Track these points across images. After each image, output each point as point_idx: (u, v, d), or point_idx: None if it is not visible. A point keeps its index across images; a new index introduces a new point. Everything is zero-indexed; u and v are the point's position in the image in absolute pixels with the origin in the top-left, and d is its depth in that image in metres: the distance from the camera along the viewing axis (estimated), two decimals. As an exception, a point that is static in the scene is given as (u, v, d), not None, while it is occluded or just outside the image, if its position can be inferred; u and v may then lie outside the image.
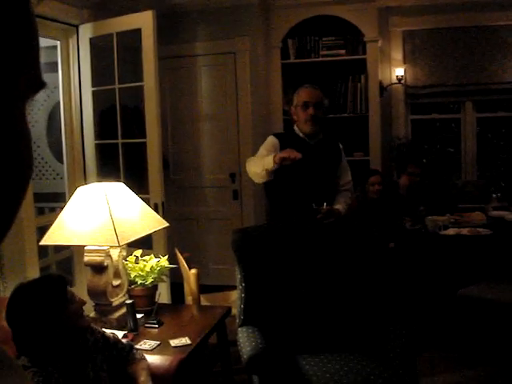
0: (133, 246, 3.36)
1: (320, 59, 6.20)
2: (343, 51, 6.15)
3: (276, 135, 4.06)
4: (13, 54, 0.46)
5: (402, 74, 6.33)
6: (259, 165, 3.66)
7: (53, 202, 5.83)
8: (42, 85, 0.53)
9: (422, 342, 4.39)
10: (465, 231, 4.83)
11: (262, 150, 3.89)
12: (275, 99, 6.24)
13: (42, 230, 3.60)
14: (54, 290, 2.24)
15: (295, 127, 4.00)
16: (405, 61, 6.45)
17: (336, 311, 3.38)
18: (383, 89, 6.30)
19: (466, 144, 6.54)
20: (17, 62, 0.47)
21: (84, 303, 2.42)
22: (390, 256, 4.61)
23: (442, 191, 6.14)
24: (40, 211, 5.67)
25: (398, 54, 6.47)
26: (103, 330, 2.61)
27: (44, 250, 4.71)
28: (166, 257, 3.48)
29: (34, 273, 3.95)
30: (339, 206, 3.87)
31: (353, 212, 4.61)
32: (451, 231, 4.88)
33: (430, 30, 6.39)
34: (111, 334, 2.60)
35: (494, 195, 5.70)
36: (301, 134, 3.92)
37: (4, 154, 0.49)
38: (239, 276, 3.35)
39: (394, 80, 6.37)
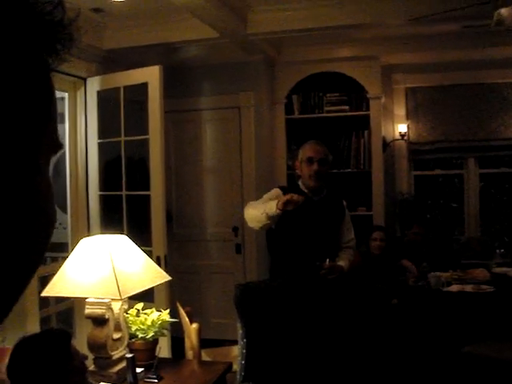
0: (134, 298, 3.34)
1: (324, 115, 6.26)
2: (347, 107, 6.22)
3: (281, 188, 4.07)
4: (37, 122, 0.51)
5: (405, 130, 6.39)
6: (259, 208, 3.62)
7: (55, 251, 5.82)
8: (60, 146, 0.56)
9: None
10: (468, 288, 4.80)
11: (265, 197, 3.88)
12: (279, 154, 6.28)
13: (44, 280, 3.58)
14: (57, 345, 2.22)
15: (299, 182, 4.01)
16: (407, 117, 6.53)
17: (340, 369, 3.33)
18: (386, 145, 6.35)
19: (469, 199, 6.56)
20: (41, 128, 0.52)
21: (86, 358, 2.40)
22: (393, 312, 4.57)
23: (445, 247, 6.12)
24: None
25: (400, 111, 6.55)
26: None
27: (45, 301, 4.68)
28: (168, 311, 3.46)
29: (34, 323, 3.93)
30: (342, 263, 3.85)
31: (356, 268, 4.59)
32: (454, 288, 4.84)
33: (432, 87, 6.48)
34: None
35: (497, 251, 5.68)
36: (305, 190, 3.93)
37: (30, 212, 0.51)
38: (240, 331, 3.32)
39: (397, 136, 6.43)
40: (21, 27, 0.47)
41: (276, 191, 3.93)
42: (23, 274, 0.53)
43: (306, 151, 3.95)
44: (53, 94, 0.54)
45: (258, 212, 3.62)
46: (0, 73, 0.46)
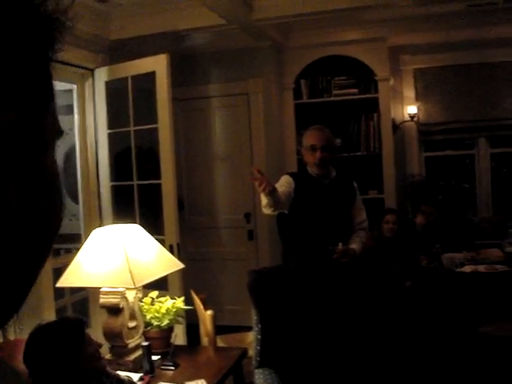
0: (148, 287, 3.36)
1: (332, 99, 6.24)
2: (355, 90, 6.19)
3: (291, 174, 4.06)
4: (39, 103, 0.51)
5: (415, 111, 6.35)
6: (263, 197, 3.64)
7: (69, 243, 5.85)
8: (60, 132, 0.56)
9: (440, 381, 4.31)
10: (481, 268, 4.79)
11: (276, 185, 3.88)
12: (289, 139, 6.28)
13: (58, 272, 3.61)
14: (71, 332, 2.25)
15: (308, 167, 4.01)
16: (417, 98, 6.49)
17: (355, 353, 3.34)
18: (396, 127, 6.33)
19: (481, 180, 6.53)
20: (43, 109, 0.51)
21: (101, 346, 2.42)
22: (407, 295, 4.57)
23: (458, 228, 6.10)
24: (56, 252, 5.69)
25: (409, 92, 6.52)
26: (118, 372, 2.60)
27: (60, 292, 4.71)
28: (182, 298, 3.48)
29: (50, 314, 3.96)
30: (354, 246, 3.85)
31: (368, 251, 4.59)
32: (468, 268, 4.83)
33: (440, 68, 6.44)
34: (126, 377, 2.59)
35: (510, 230, 5.65)
36: (314, 174, 3.93)
37: (37, 201, 0.52)
38: (255, 317, 3.33)
39: (407, 118, 6.40)
40: (19, 14, 0.48)
41: (286, 178, 3.93)
42: (37, 254, 0.54)
43: (308, 139, 3.94)
44: (51, 75, 0.53)
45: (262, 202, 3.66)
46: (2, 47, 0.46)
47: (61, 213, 0.59)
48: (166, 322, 3.29)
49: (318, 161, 3.85)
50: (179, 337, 4.19)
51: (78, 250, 3.20)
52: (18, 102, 0.48)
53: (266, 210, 3.71)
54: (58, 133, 0.56)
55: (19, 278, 0.52)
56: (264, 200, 3.56)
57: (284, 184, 3.83)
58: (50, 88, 0.53)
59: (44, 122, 0.51)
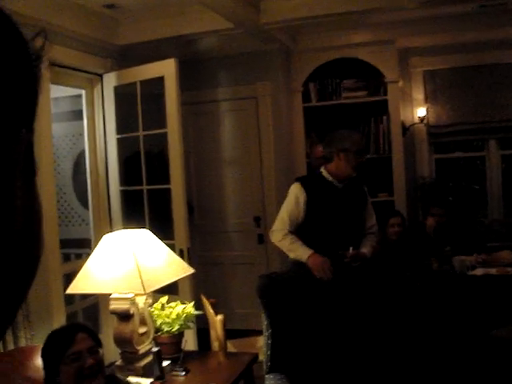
0: (159, 292, 3.35)
1: (341, 101, 6.22)
2: (364, 93, 6.17)
3: (301, 180, 4.01)
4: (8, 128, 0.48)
5: (424, 113, 6.33)
6: (287, 248, 3.85)
7: (79, 248, 5.87)
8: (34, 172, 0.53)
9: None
10: (493, 271, 4.75)
11: (290, 200, 3.89)
12: (298, 142, 6.26)
13: (68, 277, 3.62)
14: (60, 333, 2.51)
15: (323, 170, 3.96)
16: (426, 100, 6.46)
17: (365, 357, 3.32)
18: (406, 129, 6.30)
19: (492, 181, 6.49)
20: (12, 136, 0.48)
21: (93, 347, 2.49)
22: (418, 297, 4.54)
23: (469, 230, 6.07)
24: (66, 257, 5.71)
25: (419, 94, 6.49)
26: (128, 379, 2.60)
27: (70, 297, 4.72)
28: (192, 303, 3.47)
29: (60, 320, 3.96)
30: (365, 249, 3.84)
31: (376, 255, 4.57)
32: (479, 271, 4.80)
33: (450, 69, 6.41)
34: (136, 383, 2.59)
35: (521, 232, 5.62)
36: (330, 178, 3.89)
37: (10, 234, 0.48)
38: (265, 322, 3.32)
39: (416, 120, 6.37)
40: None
41: (294, 195, 3.89)
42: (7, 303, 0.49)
43: (355, 142, 3.90)
44: (32, 107, 0.51)
45: (286, 248, 3.86)
46: None
47: (34, 264, 0.52)
48: (176, 327, 3.29)
49: (360, 164, 3.88)
50: (190, 342, 4.18)
51: (88, 255, 3.20)
52: None
53: (277, 241, 3.91)
54: (34, 172, 0.53)
55: None
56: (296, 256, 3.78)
57: (292, 208, 3.87)
58: (29, 120, 0.51)
59: (13, 150, 0.48)
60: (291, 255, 3.81)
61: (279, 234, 3.87)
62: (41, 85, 0.52)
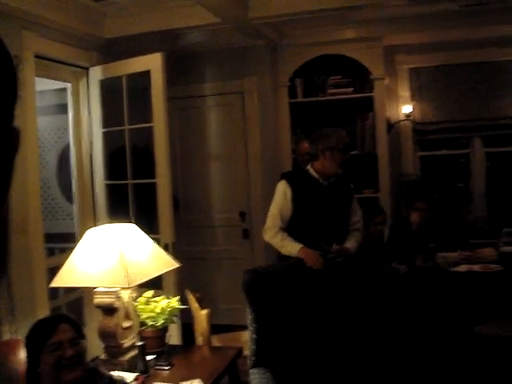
0: (143, 286, 3.35)
1: (327, 98, 6.22)
2: (350, 89, 6.18)
3: (287, 177, 4.04)
4: None
5: (410, 110, 6.36)
6: (279, 244, 3.90)
7: (63, 242, 5.84)
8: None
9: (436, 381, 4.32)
10: (476, 267, 4.79)
11: (278, 199, 3.93)
12: (284, 138, 6.26)
13: (53, 271, 3.60)
14: (42, 323, 2.49)
15: (309, 168, 3.97)
16: (412, 98, 6.49)
17: (350, 352, 3.34)
18: (391, 126, 6.33)
19: (476, 179, 6.53)
20: None
21: (74, 338, 2.49)
22: (402, 293, 4.57)
23: (453, 227, 6.11)
24: (50, 252, 5.68)
25: (405, 91, 6.52)
26: (111, 373, 2.59)
27: (54, 292, 4.70)
28: (177, 298, 3.47)
29: (44, 314, 3.94)
30: (349, 245, 3.86)
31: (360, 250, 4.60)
32: (462, 268, 4.84)
33: (436, 67, 6.44)
34: (119, 377, 2.59)
35: (504, 229, 5.65)
36: (316, 175, 3.90)
37: None
38: (250, 317, 3.32)
39: (402, 117, 6.40)
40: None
41: (282, 191, 3.93)
42: None
43: (340, 140, 3.90)
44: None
45: (278, 245, 3.92)
46: None
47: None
48: (160, 321, 3.29)
49: (343, 162, 3.90)
50: (174, 336, 4.18)
51: (72, 249, 3.19)
52: None
53: (269, 238, 3.96)
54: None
55: None
56: (287, 251, 3.84)
57: (281, 204, 3.91)
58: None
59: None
60: (283, 251, 3.84)
61: (271, 231, 3.92)
62: (19, 86, 0.53)
